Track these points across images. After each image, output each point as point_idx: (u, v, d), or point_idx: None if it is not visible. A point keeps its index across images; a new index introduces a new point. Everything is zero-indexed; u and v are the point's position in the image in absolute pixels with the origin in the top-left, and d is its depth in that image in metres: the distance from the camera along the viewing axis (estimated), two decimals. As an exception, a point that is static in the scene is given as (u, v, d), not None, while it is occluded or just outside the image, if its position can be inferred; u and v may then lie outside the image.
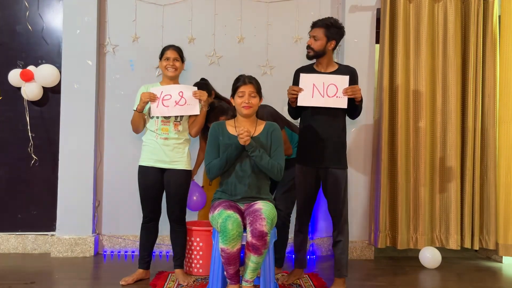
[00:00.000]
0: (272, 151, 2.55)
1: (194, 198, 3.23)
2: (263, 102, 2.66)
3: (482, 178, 3.61)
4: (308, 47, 2.78)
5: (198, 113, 2.86)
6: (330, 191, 2.79)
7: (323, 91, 2.70)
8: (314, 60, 2.85)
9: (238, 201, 2.53)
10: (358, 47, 3.64)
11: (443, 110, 3.58)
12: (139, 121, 2.87)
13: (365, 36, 3.64)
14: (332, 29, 2.74)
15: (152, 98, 2.78)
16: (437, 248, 3.49)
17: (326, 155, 2.76)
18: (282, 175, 2.55)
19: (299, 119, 2.95)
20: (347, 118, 2.87)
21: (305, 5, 3.73)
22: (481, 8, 3.56)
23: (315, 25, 2.78)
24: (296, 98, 2.74)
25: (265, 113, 2.88)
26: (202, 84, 3.21)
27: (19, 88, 3.52)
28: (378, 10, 3.65)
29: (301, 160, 2.88)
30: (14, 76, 3.46)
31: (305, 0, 3.73)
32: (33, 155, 3.57)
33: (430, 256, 3.40)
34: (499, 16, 3.60)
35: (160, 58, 2.93)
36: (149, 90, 2.83)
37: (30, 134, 3.56)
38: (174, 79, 2.92)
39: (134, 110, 2.85)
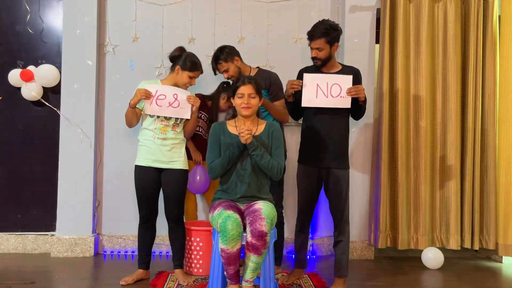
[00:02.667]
0: (272, 151, 2.56)
1: (198, 178, 3.25)
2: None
3: (482, 178, 3.61)
4: (315, 58, 2.76)
5: (189, 117, 2.87)
6: (332, 191, 2.79)
7: (327, 91, 2.70)
8: None
9: (238, 200, 2.53)
10: (358, 47, 3.63)
11: (443, 110, 3.58)
12: (132, 116, 2.87)
13: (365, 36, 3.64)
14: (331, 34, 2.72)
15: (147, 96, 2.78)
16: (437, 248, 3.49)
17: (328, 155, 2.76)
18: (282, 176, 2.56)
19: (301, 119, 2.96)
20: (350, 118, 2.87)
21: (305, 5, 3.73)
22: (481, 8, 3.56)
23: (313, 36, 2.72)
24: (294, 92, 2.74)
25: (267, 76, 3.00)
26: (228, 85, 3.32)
27: (19, 88, 3.52)
28: (378, 10, 3.65)
29: (303, 159, 2.89)
30: (14, 76, 3.47)
31: (305, 0, 3.73)
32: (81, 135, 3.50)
33: (432, 257, 3.39)
34: (499, 16, 3.60)
35: (184, 68, 2.83)
36: (145, 87, 2.82)
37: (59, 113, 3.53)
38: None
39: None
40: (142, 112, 2.89)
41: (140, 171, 2.87)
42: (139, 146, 2.91)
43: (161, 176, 2.87)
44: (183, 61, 2.85)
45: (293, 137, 3.66)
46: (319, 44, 2.72)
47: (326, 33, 2.70)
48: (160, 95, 2.81)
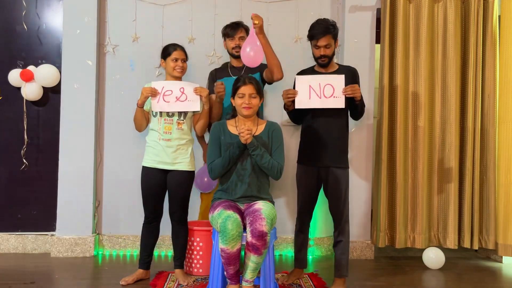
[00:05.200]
0: (272, 151, 2.56)
1: (206, 179, 3.30)
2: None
3: (481, 178, 3.61)
4: (323, 56, 2.73)
5: (199, 109, 2.85)
6: (331, 191, 2.79)
7: (320, 92, 2.70)
8: (315, 62, 2.85)
9: (238, 200, 2.53)
10: (358, 47, 3.63)
11: (442, 110, 3.58)
12: (141, 118, 2.87)
13: (365, 36, 3.64)
14: (336, 31, 2.75)
15: (153, 93, 2.79)
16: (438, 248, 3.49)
17: (328, 155, 2.76)
18: (281, 176, 2.56)
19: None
20: (350, 118, 2.87)
21: (305, 5, 3.73)
22: (481, 8, 3.56)
23: (320, 33, 2.69)
24: (293, 101, 2.74)
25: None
26: None
27: (19, 88, 3.52)
28: (378, 10, 3.65)
29: (302, 160, 2.89)
30: (14, 76, 3.47)
31: (305, 0, 3.73)
32: (24, 160, 3.56)
33: (433, 257, 3.40)
34: (499, 16, 3.60)
35: (164, 57, 2.90)
36: (151, 85, 2.82)
37: (26, 137, 3.56)
38: (179, 79, 2.92)
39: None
40: (150, 115, 2.91)
41: (146, 172, 2.87)
42: (146, 147, 2.91)
43: (167, 177, 2.86)
44: (161, 54, 2.93)
45: (292, 137, 3.66)
46: (328, 40, 2.71)
47: (332, 29, 2.71)
48: (167, 91, 2.81)
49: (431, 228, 3.59)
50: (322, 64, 2.78)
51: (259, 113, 2.70)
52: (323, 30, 2.69)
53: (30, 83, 3.47)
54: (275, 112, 3.62)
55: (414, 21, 3.56)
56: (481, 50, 3.58)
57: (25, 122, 3.56)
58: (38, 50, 3.62)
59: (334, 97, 2.68)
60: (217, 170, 2.53)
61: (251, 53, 2.67)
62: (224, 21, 3.66)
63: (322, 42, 2.71)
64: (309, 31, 2.77)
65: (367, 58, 3.63)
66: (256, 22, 2.68)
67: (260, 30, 2.75)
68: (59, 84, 3.55)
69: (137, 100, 2.84)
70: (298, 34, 3.72)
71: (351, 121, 2.91)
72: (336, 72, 2.80)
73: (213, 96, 2.97)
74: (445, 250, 3.56)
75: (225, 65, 3.25)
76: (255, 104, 2.53)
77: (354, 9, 3.64)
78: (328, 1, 3.76)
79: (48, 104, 3.62)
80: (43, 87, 3.54)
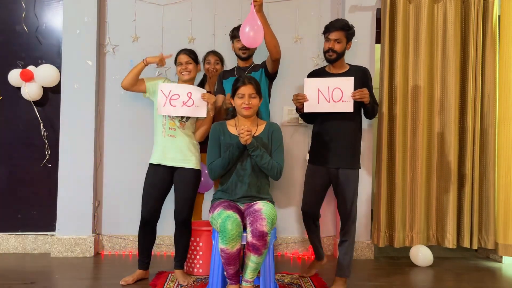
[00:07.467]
0: (272, 151, 2.56)
1: (202, 179, 3.22)
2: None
3: (481, 178, 3.61)
4: (331, 50, 2.74)
5: (205, 115, 2.84)
6: (340, 190, 2.78)
7: (328, 96, 2.69)
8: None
9: (238, 200, 2.53)
10: (358, 47, 3.63)
11: (441, 110, 3.58)
12: (137, 75, 2.88)
13: (365, 36, 3.64)
14: (350, 31, 2.76)
15: (162, 59, 2.86)
16: (434, 246, 3.49)
17: (338, 156, 2.76)
18: (281, 176, 2.56)
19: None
20: (363, 118, 2.87)
21: (305, 5, 3.73)
22: (481, 8, 3.56)
23: (334, 28, 2.73)
24: (303, 105, 2.75)
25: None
26: None
27: (19, 88, 3.52)
28: (378, 10, 3.65)
29: (313, 160, 2.88)
30: (14, 76, 3.47)
31: (305, 0, 3.73)
32: (46, 152, 3.57)
33: (421, 255, 3.42)
34: (499, 16, 3.60)
35: (176, 63, 2.93)
36: (162, 86, 2.81)
37: (43, 134, 3.58)
38: (190, 82, 2.92)
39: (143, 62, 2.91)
40: (148, 95, 2.92)
41: (153, 169, 2.86)
42: (154, 145, 2.91)
43: (174, 175, 2.85)
44: None
45: (292, 138, 3.66)
46: (339, 35, 2.72)
47: (346, 27, 2.73)
48: (174, 95, 2.80)
49: (429, 227, 3.59)
50: (329, 59, 2.78)
51: (262, 115, 2.69)
52: (337, 25, 2.73)
53: (30, 83, 3.47)
54: (276, 112, 3.62)
55: (414, 21, 3.57)
56: (481, 50, 3.58)
57: (41, 122, 3.56)
58: (38, 50, 3.62)
59: (343, 101, 2.68)
60: (217, 170, 2.53)
61: (251, 33, 2.61)
62: (224, 21, 3.69)
63: (333, 35, 2.73)
64: (325, 26, 2.80)
65: (368, 58, 3.63)
66: None
67: (260, 8, 2.70)
68: (59, 84, 3.55)
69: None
70: (298, 34, 3.72)
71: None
72: (347, 72, 2.80)
73: (220, 101, 2.97)
74: (446, 250, 3.57)
75: (234, 67, 3.24)
76: (255, 104, 2.53)
77: (354, 9, 3.64)
78: (328, 1, 3.76)
79: (48, 104, 3.62)
80: (43, 87, 3.54)
